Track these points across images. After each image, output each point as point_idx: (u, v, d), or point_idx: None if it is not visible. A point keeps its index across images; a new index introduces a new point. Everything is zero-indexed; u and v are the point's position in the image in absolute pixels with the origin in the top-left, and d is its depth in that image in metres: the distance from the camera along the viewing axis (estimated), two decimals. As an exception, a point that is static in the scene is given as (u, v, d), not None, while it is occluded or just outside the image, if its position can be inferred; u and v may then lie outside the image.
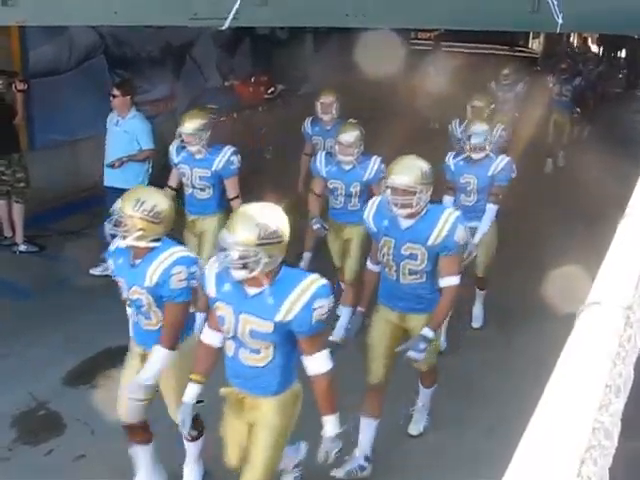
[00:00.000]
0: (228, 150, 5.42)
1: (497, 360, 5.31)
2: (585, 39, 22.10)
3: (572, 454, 0.83)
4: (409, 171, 3.81)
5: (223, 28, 4.41)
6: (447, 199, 5.69)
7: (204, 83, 10.46)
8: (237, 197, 5.45)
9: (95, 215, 8.01)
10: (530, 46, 21.04)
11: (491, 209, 5.61)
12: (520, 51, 18.21)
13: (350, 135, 5.38)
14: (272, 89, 10.88)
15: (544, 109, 11.11)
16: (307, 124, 7.08)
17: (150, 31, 9.04)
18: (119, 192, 6.40)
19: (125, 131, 6.53)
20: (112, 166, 6.49)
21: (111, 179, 6.55)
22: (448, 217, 3.81)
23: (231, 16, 4.35)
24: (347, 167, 5.44)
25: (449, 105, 9.32)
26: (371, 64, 13.88)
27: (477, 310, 6.16)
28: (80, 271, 6.61)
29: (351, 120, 5.87)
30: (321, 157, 5.67)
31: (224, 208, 5.42)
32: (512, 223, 7.91)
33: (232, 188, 5.46)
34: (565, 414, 0.90)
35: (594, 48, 23.23)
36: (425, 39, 17.08)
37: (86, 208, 8.16)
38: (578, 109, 11.95)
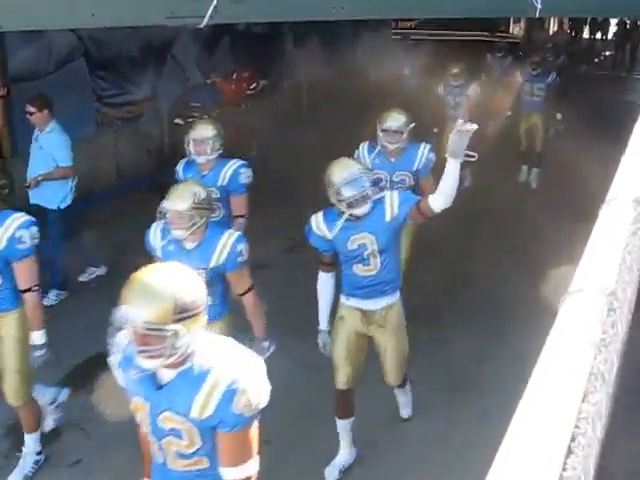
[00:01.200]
0: (15, 220, 3.76)
1: (490, 350, 5.33)
2: (561, 23, 22.07)
3: (557, 444, 0.83)
4: (150, 301, 2.18)
5: (201, 26, 4.39)
6: (322, 277, 4.00)
7: (186, 81, 10.42)
8: (30, 289, 3.85)
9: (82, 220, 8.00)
10: (511, 31, 21.09)
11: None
12: (501, 37, 18.28)
13: (180, 201, 3.61)
14: (254, 85, 10.84)
15: (511, 112, 9.68)
16: (180, 167, 5.13)
17: (129, 31, 8.99)
18: (45, 211, 6.08)
19: (41, 147, 6.04)
20: (27, 187, 5.99)
21: (34, 197, 6.12)
22: (219, 377, 2.18)
23: (209, 13, 4.33)
24: (188, 246, 3.70)
25: (426, 99, 9.32)
26: (353, 57, 13.88)
27: (404, 401, 4.65)
28: (68, 277, 6.58)
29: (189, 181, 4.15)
30: (156, 228, 3.90)
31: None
32: (500, 224, 7.99)
33: (22, 275, 3.83)
34: (550, 404, 0.90)
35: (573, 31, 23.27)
36: (406, 29, 17.10)
37: (72, 212, 8.12)
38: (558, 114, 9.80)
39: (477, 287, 6.37)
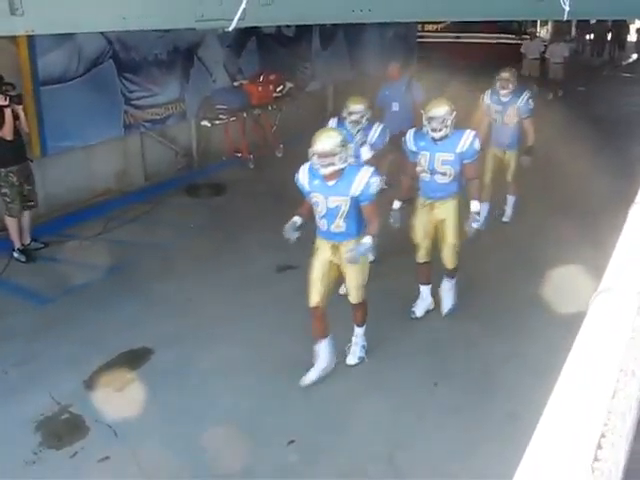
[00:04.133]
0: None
1: (514, 350, 5.31)
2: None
3: (588, 438, 0.85)
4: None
5: (230, 29, 4.42)
6: None
7: (212, 84, 10.50)
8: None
9: (109, 220, 8.11)
10: (539, 33, 20.92)
11: None
12: (529, 39, 18.15)
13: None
14: (281, 87, 10.88)
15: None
16: None
17: (157, 34, 9.07)
18: None
19: None
20: None
21: None
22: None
23: (237, 16, 4.36)
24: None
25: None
26: (377, 59, 13.85)
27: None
28: (98, 275, 6.67)
29: None
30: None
31: None
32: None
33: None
34: (580, 399, 0.91)
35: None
36: (432, 31, 17.07)
37: (100, 213, 8.23)
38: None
39: (489, 289, 6.34)
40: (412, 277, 5.98)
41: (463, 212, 5.59)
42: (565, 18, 4.70)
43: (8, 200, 7.00)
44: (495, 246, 7.20)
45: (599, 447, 0.87)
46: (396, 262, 6.41)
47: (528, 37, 16.89)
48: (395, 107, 8.56)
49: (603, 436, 0.90)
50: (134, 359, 5.28)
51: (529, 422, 1.19)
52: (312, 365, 4.96)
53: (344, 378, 5.03)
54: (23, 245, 7.16)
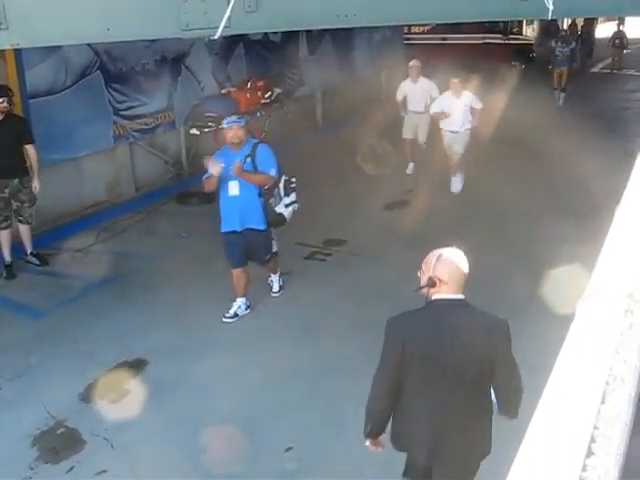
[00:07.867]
0: None
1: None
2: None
3: (577, 444, 0.84)
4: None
5: (215, 37, 4.42)
6: None
7: (201, 92, 10.48)
8: None
9: (101, 231, 8.09)
10: (524, 33, 21.04)
11: None
12: (515, 38, 18.28)
13: None
14: (269, 93, 10.87)
15: None
16: None
17: (144, 44, 9.06)
18: None
19: None
20: None
21: None
22: None
23: (222, 25, 4.36)
24: None
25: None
26: (366, 63, 13.88)
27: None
28: (91, 287, 6.65)
29: None
30: None
31: None
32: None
33: None
34: (569, 405, 0.91)
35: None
36: (418, 34, 17.12)
37: (92, 224, 8.21)
38: None
39: (483, 287, 6.33)
40: (407, 269, 5.94)
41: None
42: (549, 17, 4.72)
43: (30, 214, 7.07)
44: (491, 244, 7.23)
45: (589, 453, 0.87)
46: (394, 257, 6.40)
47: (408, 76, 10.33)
48: (234, 189, 5.48)
49: (593, 441, 0.90)
50: (129, 370, 5.26)
51: (524, 422, 1.19)
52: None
53: (338, 381, 5.03)
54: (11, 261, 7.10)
